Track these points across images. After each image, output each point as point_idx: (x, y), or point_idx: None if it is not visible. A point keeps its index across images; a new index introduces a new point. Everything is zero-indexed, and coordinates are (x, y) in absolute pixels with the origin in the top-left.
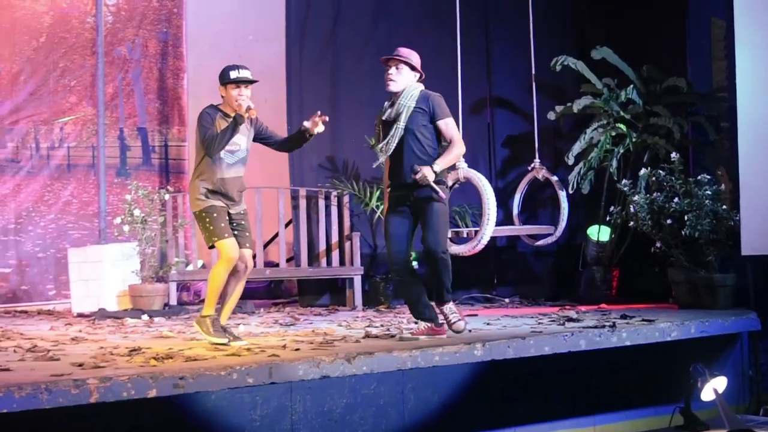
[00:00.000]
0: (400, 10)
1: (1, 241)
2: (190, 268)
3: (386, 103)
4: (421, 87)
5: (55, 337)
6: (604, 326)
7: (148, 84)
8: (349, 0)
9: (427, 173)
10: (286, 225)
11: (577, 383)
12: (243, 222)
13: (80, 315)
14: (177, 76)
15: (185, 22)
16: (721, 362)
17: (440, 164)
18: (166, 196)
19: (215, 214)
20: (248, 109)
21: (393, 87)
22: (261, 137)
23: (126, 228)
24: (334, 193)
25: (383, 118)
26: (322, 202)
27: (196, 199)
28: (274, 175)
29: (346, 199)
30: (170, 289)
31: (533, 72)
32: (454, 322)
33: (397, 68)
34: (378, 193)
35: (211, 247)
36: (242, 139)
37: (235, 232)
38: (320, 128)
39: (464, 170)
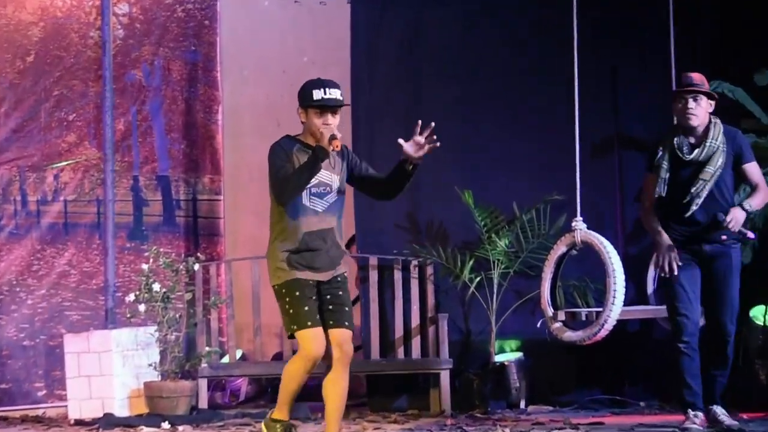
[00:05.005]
0: (495, 29)
1: None
2: (225, 360)
3: (676, 139)
4: (718, 120)
5: None
6: None
7: (171, 119)
8: (432, 14)
9: (740, 216)
10: (353, 303)
11: None
12: (340, 293)
13: (79, 423)
14: (209, 109)
15: (219, 38)
16: None
17: (753, 203)
18: (196, 266)
19: (297, 293)
20: (332, 138)
21: (695, 122)
22: (355, 177)
23: (142, 308)
24: (415, 262)
25: (689, 158)
26: (398, 274)
27: (276, 269)
28: None
29: (429, 269)
30: (199, 387)
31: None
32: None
33: (695, 99)
34: (472, 262)
35: (291, 336)
36: (333, 178)
37: (329, 307)
38: (423, 151)
39: (582, 233)
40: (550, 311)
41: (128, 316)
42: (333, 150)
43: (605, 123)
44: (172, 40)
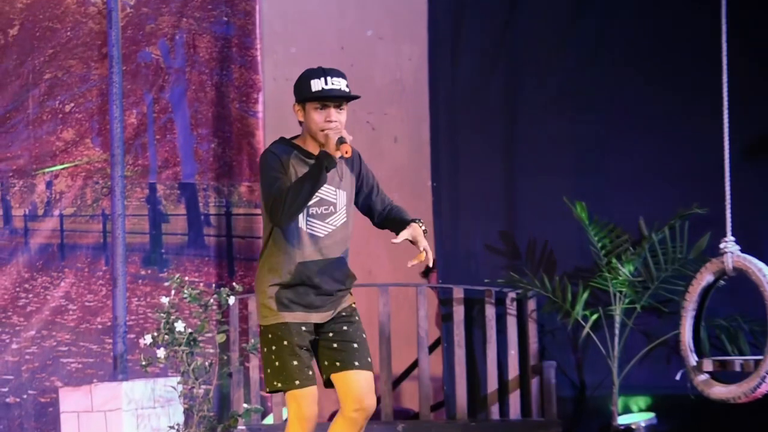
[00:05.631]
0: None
1: None
2: (269, 420)
3: None
4: None
5: None
6: None
7: (197, 110)
8: None
9: None
10: (431, 348)
11: None
12: (345, 327)
13: None
14: (247, 97)
15: (259, 6)
16: None
17: None
18: (230, 300)
19: (285, 342)
20: (340, 142)
21: None
22: (361, 199)
23: (161, 353)
24: (512, 294)
25: None
26: (491, 310)
27: (262, 306)
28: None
29: (531, 304)
30: None
31: None
32: None
33: None
34: (586, 294)
35: (271, 391)
36: (339, 195)
37: (333, 345)
38: (419, 255)
39: (735, 257)
40: (692, 359)
41: (143, 363)
42: (342, 156)
43: (762, 117)
44: (198, 8)
